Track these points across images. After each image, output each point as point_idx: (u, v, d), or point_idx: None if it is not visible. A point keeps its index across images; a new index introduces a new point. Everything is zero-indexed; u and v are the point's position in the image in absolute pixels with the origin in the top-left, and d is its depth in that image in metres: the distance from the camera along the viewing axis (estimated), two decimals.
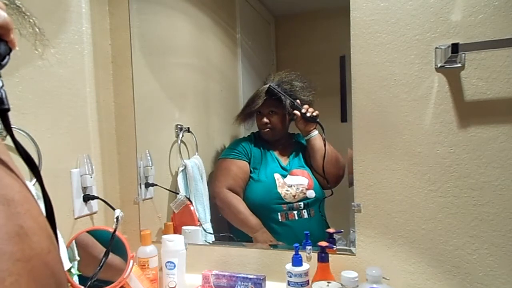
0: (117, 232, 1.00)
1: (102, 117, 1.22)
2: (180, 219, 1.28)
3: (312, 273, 0.97)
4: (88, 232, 1.04)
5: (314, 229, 1.18)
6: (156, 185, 1.28)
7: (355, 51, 0.99)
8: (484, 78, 0.89)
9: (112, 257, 0.98)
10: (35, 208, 0.29)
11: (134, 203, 1.26)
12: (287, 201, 1.26)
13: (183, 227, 1.25)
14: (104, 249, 0.98)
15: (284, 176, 1.28)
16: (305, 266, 0.97)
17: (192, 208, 1.28)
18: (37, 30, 0.54)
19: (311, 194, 1.26)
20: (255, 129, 1.37)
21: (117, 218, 1.01)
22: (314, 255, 1.02)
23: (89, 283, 0.93)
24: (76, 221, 1.10)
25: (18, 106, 0.92)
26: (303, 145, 1.30)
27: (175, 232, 1.25)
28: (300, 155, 1.31)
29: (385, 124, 0.98)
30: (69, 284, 0.93)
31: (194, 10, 1.40)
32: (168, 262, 1.06)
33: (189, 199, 1.28)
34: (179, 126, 1.35)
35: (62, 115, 1.05)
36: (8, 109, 0.34)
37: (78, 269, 0.98)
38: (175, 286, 1.06)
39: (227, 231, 1.31)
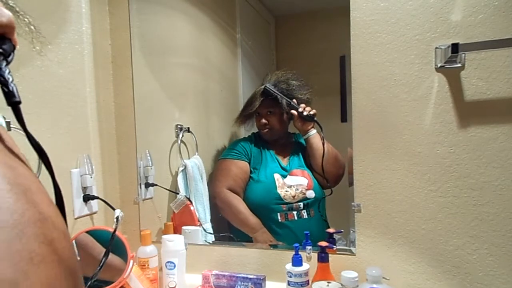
0: (117, 232, 1.00)
1: (102, 117, 1.22)
2: (180, 219, 1.28)
3: (312, 273, 0.97)
4: (88, 232, 1.04)
5: (314, 230, 1.18)
6: (156, 185, 1.28)
7: (355, 51, 0.99)
8: (484, 78, 0.89)
9: (112, 257, 0.98)
10: (47, 198, 0.30)
11: (134, 203, 1.26)
12: (286, 201, 1.26)
13: (183, 227, 1.25)
14: (104, 249, 0.98)
15: (284, 176, 1.28)
16: (305, 266, 0.97)
17: (192, 208, 1.28)
18: (32, 28, 0.54)
19: (310, 194, 1.26)
20: (255, 129, 1.37)
21: (117, 218, 1.01)
22: (314, 255, 1.02)
23: (89, 283, 0.93)
24: (76, 221, 1.10)
25: None
26: (303, 145, 1.30)
27: (175, 232, 1.25)
28: (300, 155, 1.31)
29: (385, 124, 0.98)
30: None
31: (194, 10, 1.40)
32: (168, 262, 1.06)
33: (189, 199, 1.28)
34: (179, 126, 1.35)
35: (62, 115, 1.05)
36: (19, 102, 0.35)
37: None
38: (175, 286, 1.06)
39: (227, 231, 1.31)
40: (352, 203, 1.02)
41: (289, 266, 0.98)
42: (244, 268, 1.14)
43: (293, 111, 1.25)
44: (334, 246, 0.99)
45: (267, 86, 1.30)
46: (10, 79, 0.34)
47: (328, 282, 0.90)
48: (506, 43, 0.85)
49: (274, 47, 1.42)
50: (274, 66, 1.39)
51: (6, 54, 0.35)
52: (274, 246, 1.18)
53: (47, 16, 1.02)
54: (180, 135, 1.35)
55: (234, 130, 1.42)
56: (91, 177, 1.12)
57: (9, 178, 0.27)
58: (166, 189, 1.31)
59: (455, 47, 0.86)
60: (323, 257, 0.96)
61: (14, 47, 0.36)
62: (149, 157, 1.27)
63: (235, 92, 1.47)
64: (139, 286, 1.00)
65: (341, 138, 1.09)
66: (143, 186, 1.26)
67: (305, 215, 1.25)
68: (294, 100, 1.26)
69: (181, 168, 1.31)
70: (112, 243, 0.98)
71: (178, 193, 1.29)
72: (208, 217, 1.34)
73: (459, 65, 0.91)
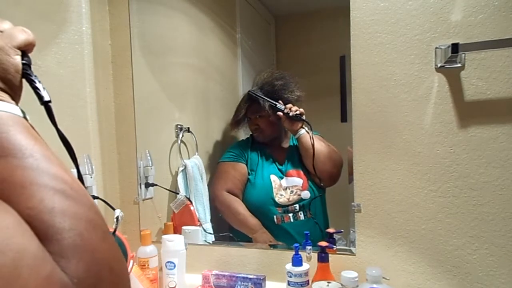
0: (117, 232, 1.00)
1: (102, 117, 1.22)
2: (180, 219, 1.28)
3: (312, 273, 0.97)
4: None
5: (312, 231, 1.18)
6: (156, 185, 1.28)
7: (355, 51, 0.99)
8: (484, 78, 0.89)
9: None
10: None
11: (134, 203, 1.26)
12: (281, 204, 1.25)
13: (183, 227, 1.25)
14: None
15: (280, 178, 1.28)
16: (305, 266, 0.97)
17: (192, 208, 1.28)
18: None
19: (305, 195, 1.25)
20: None
21: (117, 218, 1.00)
22: (314, 255, 1.02)
23: None
24: None
25: None
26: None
27: (175, 232, 1.25)
28: (296, 155, 1.31)
29: (385, 124, 0.98)
30: None
31: (194, 10, 1.40)
32: (168, 262, 1.06)
33: (189, 199, 1.28)
34: (179, 126, 1.35)
35: (62, 115, 1.05)
36: (50, 101, 0.44)
37: None
38: (175, 286, 1.06)
39: (227, 231, 1.31)
40: (352, 203, 1.02)
41: (289, 266, 0.98)
42: (244, 268, 1.14)
43: (279, 113, 1.25)
44: (334, 246, 0.99)
45: (251, 91, 1.31)
46: (40, 83, 0.43)
47: (328, 282, 0.90)
48: (506, 43, 0.85)
49: (274, 47, 1.42)
50: (274, 66, 1.39)
51: (30, 65, 0.43)
52: (274, 246, 1.18)
53: (47, 16, 1.02)
54: (180, 135, 1.35)
55: (233, 129, 1.42)
56: (91, 177, 1.12)
57: None
58: (166, 189, 1.31)
59: (455, 47, 0.86)
60: (323, 257, 0.96)
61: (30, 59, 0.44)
62: (149, 157, 1.27)
63: (235, 92, 1.47)
64: (139, 286, 1.00)
65: (341, 138, 1.09)
66: (143, 186, 1.26)
67: (301, 216, 1.25)
68: (280, 101, 1.26)
69: (181, 168, 1.31)
70: None
71: (178, 193, 1.29)
72: (208, 217, 1.34)
73: (459, 65, 0.91)
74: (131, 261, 1.00)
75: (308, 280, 0.97)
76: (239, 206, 1.29)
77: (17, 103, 0.42)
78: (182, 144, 1.35)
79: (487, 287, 0.92)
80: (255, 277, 1.05)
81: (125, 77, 1.24)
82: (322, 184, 1.24)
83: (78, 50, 1.13)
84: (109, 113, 1.25)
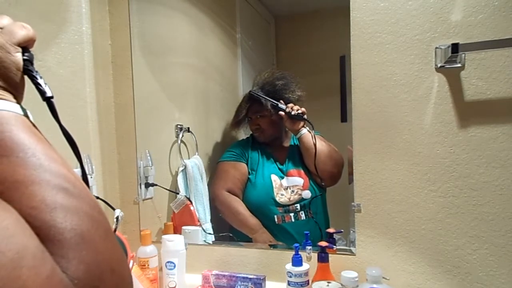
0: (117, 232, 1.00)
1: (102, 117, 1.22)
2: (180, 219, 1.28)
3: (312, 273, 0.97)
4: None
5: (313, 231, 1.18)
6: (156, 185, 1.28)
7: (355, 51, 0.99)
8: (484, 78, 0.89)
9: None
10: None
11: (134, 203, 1.26)
12: (282, 204, 1.25)
13: (183, 227, 1.25)
14: None
15: (281, 178, 1.28)
16: (305, 266, 0.97)
17: (192, 208, 1.28)
18: None
19: (306, 194, 1.25)
20: None
21: (117, 218, 1.00)
22: (314, 255, 1.02)
23: None
24: None
25: None
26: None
27: (175, 232, 1.25)
28: (297, 155, 1.31)
29: (385, 124, 0.98)
30: None
31: (194, 10, 1.40)
32: (168, 262, 1.06)
33: (189, 199, 1.28)
34: (179, 126, 1.35)
35: (62, 115, 1.04)
36: (52, 96, 0.44)
37: None
38: (175, 286, 1.06)
39: (227, 231, 1.31)
40: (352, 203, 1.02)
41: (289, 266, 0.98)
42: (244, 268, 1.14)
43: (281, 112, 1.25)
44: (334, 246, 0.99)
45: (252, 91, 1.31)
46: (42, 79, 0.43)
47: (328, 282, 0.90)
48: (506, 43, 0.85)
49: (274, 47, 1.42)
50: (274, 66, 1.39)
51: (32, 60, 0.43)
52: (274, 246, 1.18)
53: (47, 16, 1.02)
54: (180, 135, 1.35)
55: (234, 130, 1.42)
56: (91, 177, 1.12)
57: None
58: (166, 189, 1.31)
59: (455, 47, 0.86)
60: (323, 257, 0.96)
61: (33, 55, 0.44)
62: (149, 157, 1.27)
63: (235, 92, 1.47)
64: (139, 286, 1.00)
65: (341, 138, 1.09)
66: (143, 186, 1.26)
67: (303, 216, 1.25)
68: (281, 101, 1.26)
69: (181, 168, 1.31)
70: None
71: (178, 193, 1.29)
72: (208, 217, 1.34)
73: (459, 65, 0.91)
74: (131, 261, 1.00)
75: (308, 280, 0.97)
76: (239, 206, 1.29)
77: (20, 101, 0.41)
78: (182, 144, 1.35)
79: (487, 287, 0.92)
80: (255, 277, 1.05)
81: (125, 77, 1.24)
82: (323, 184, 1.24)
83: (78, 50, 1.13)
84: (109, 113, 1.25)
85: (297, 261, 0.97)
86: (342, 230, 1.06)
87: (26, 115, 0.40)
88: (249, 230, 1.26)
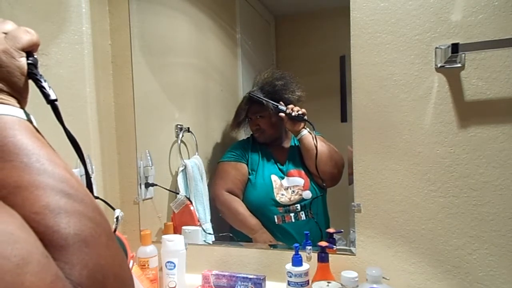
0: (117, 232, 1.00)
1: (102, 117, 1.22)
2: (180, 219, 1.28)
3: (312, 273, 0.97)
4: None
5: (313, 231, 1.18)
6: (156, 185, 1.28)
7: (355, 51, 0.99)
8: (484, 78, 0.89)
9: None
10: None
11: (134, 203, 1.26)
12: (283, 204, 1.25)
13: (183, 227, 1.25)
14: None
15: (281, 178, 1.28)
16: (305, 266, 0.97)
17: (192, 208, 1.28)
18: None
19: (307, 195, 1.25)
20: None
21: (117, 218, 1.00)
22: (314, 255, 1.02)
23: None
24: None
25: None
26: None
27: (175, 232, 1.25)
28: (298, 155, 1.31)
29: (385, 124, 0.98)
30: None
31: (194, 10, 1.40)
32: (168, 262, 1.06)
33: (189, 199, 1.28)
34: (179, 126, 1.35)
35: (62, 115, 1.05)
36: (56, 99, 0.45)
37: None
38: (175, 286, 1.06)
39: (227, 231, 1.31)
40: (352, 203, 1.02)
41: (289, 266, 0.98)
42: (244, 268, 1.14)
43: (281, 114, 1.25)
44: (334, 246, 0.99)
45: (252, 93, 1.31)
46: (46, 83, 0.44)
47: (328, 282, 0.90)
48: (506, 43, 0.85)
49: (274, 47, 1.42)
50: (274, 66, 1.39)
51: (36, 64, 0.44)
52: (274, 246, 1.18)
53: (47, 16, 1.02)
54: (180, 135, 1.35)
55: (234, 130, 1.42)
56: (91, 177, 1.12)
57: None
58: (166, 189, 1.31)
59: (455, 47, 0.86)
60: (323, 257, 0.96)
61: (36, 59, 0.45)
62: (149, 157, 1.27)
63: (235, 92, 1.47)
64: (139, 286, 1.00)
65: (341, 138, 1.09)
66: (143, 186, 1.26)
67: (303, 216, 1.25)
68: (281, 102, 1.26)
69: (181, 168, 1.31)
70: None
71: (178, 193, 1.29)
72: (208, 217, 1.34)
73: (459, 65, 0.91)
74: (131, 261, 1.00)
75: (308, 280, 0.97)
76: (239, 206, 1.29)
77: (23, 106, 0.42)
78: (182, 144, 1.35)
79: (487, 287, 0.92)
80: (255, 277, 1.05)
81: (125, 77, 1.24)
82: (324, 185, 1.24)
83: (78, 50, 1.13)
84: (109, 113, 1.25)
85: (297, 261, 0.97)
86: (342, 230, 1.06)
87: (29, 120, 0.40)
88: (249, 230, 1.26)
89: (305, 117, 1.24)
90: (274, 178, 1.28)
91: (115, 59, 1.25)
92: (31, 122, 0.41)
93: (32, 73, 0.43)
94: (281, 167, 1.30)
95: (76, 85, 1.12)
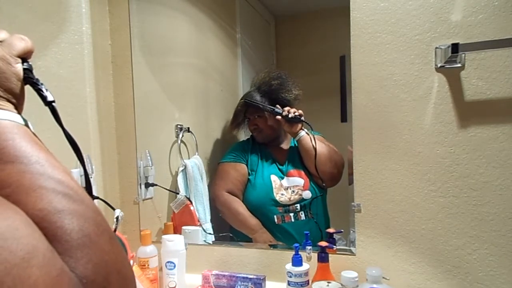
0: (117, 232, 1.00)
1: (102, 117, 1.22)
2: (180, 219, 1.28)
3: (312, 273, 0.97)
4: None
5: (313, 231, 1.17)
6: (156, 185, 1.28)
7: (355, 51, 0.99)
8: (484, 78, 0.89)
9: None
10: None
11: (134, 203, 1.26)
12: (282, 204, 1.25)
13: (183, 227, 1.25)
14: None
15: (281, 178, 1.28)
16: (305, 266, 0.97)
17: (192, 208, 1.28)
18: None
19: (307, 195, 1.25)
20: None
21: (117, 218, 1.00)
22: (314, 255, 1.02)
23: None
24: None
25: None
26: None
27: (175, 232, 1.25)
28: (297, 155, 1.30)
29: (385, 124, 0.98)
30: None
31: (194, 10, 1.40)
32: (168, 262, 1.06)
33: (189, 199, 1.28)
34: (179, 126, 1.35)
35: (62, 115, 1.04)
36: (54, 101, 0.46)
37: None
38: (175, 286, 1.06)
39: (227, 231, 1.31)
40: (352, 203, 1.02)
41: (289, 266, 0.98)
42: (244, 268, 1.14)
43: (278, 117, 1.25)
44: (334, 246, 0.99)
45: (246, 99, 1.32)
46: (43, 85, 0.45)
47: (328, 282, 0.90)
48: (506, 43, 0.85)
49: (274, 47, 1.42)
50: (274, 66, 1.39)
51: (32, 70, 0.45)
52: (274, 246, 1.18)
53: (47, 16, 1.02)
54: (180, 135, 1.35)
55: (233, 131, 1.42)
56: (91, 177, 1.12)
57: None
58: (166, 189, 1.31)
59: (455, 47, 0.86)
60: (323, 257, 0.96)
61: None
62: (149, 157, 1.27)
63: (235, 92, 1.47)
64: (139, 286, 1.00)
65: (341, 138, 1.09)
66: (143, 186, 1.26)
67: (302, 216, 1.25)
68: (277, 106, 1.26)
69: (181, 168, 1.31)
70: None
71: (178, 193, 1.29)
72: (208, 217, 1.34)
73: (459, 65, 0.91)
74: (131, 261, 1.00)
75: (308, 280, 0.97)
76: (239, 207, 1.29)
77: (20, 112, 0.43)
78: (182, 144, 1.35)
79: (487, 287, 0.92)
80: (255, 277, 1.05)
81: (125, 77, 1.24)
82: (323, 185, 1.24)
83: (78, 50, 1.13)
84: (109, 113, 1.25)
85: (297, 261, 0.97)
86: (342, 230, 1.06)
87: (27, 125, 0.41)
88: (249, 230, 1.26)
89: (302, 118, 1.24)
90: (273, 178, 1.28)
91: (115, 59, 1.25)
92: (28, 127, 0.41)
93: (29, 78, 0.44)
94: (280, 167, 1.30)
95: (76, 85, 1.12)
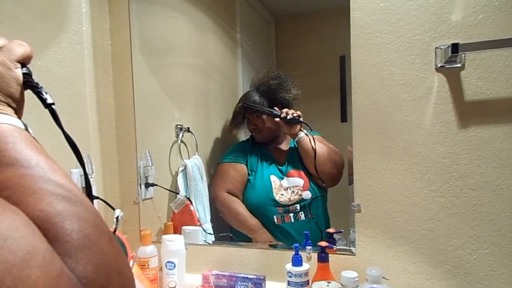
0: (117, 232, 0.99)
1: (102, 117, 1.22)
2: (180, 219, 1.28)
3: (312, 273, 0.97)
4: None
5: (312, 231, 1.17)
6: (156, 185, 1.28)
7: (355, 51, 0.99)
8: (484, 78, 0.89)
9: None
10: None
11: (134, 203, 1.26)
12: (282, 204, 1.25)
13: (183, 227, 1.25)
14: None
15: (280, 178, 1.28)
16: (305, 266, 0.97)
17: (192, 208, 1.28)
18: None
19: (307, 195, 1.25)
20: None
21: (117, 218, 1.00)
22: (314, 255, 1.02)
23: None
24: None
25: None
26: None
27: (175, 232, 1.25)
28: (297, 156, 1.30)
29: (385, 124, 0.98)
30: None
31: (194, 10, 1.40)
32: (168, 262, 1.06)
33: (189, 199, 1.28)
34: (179, 126, 1.35)
35: (62, 115, 1.05)
36: (53, 103, 0.47)
37: None
38: (175, 286, 1.06)
39: (227, 231, 1.31)
40: (352, 203, 1.02)
41: (289, 266, 0.98)
42: (244, 268, 1.14)
43: (276, 119, 1.25)
44: (334, 246, 0.99)
45: (244, 103, 1.33)
46: (42, 88, 0.46)
47: (328, 282, 0.90)
48: (506, 43, 0.85)
49: (274, 47, 1.42)
50: (274, 66, 1.39)
51: (31, 74, 0.46)
52: (274, 246, 1.18)
53: (47, 16, 1.02)
54: (180, 135, 1.35)
55: (232, 132, 1.42)
56: (91, 177, 1.12)
57: None
58: (166, 189, 1.31)
59: (455, 47, 0.86)
60: (323, 257, 0.96)
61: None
62: (149, 157, 1.27)
63: (235, 92, 1.47)
64: (139, 286, 1.00)
65: (341, 138, 1.09)
66: (143, 186, 1.26)
67: (302, 217, 1.25)
68: (276, 108, 1.26)
69: (181, 168, 1.31)
70: None
71: (178, 193, 1.29)
72: (208, 217, 1.34)
73: (459, 65, 0.91)
74: (131, 261, 1.00)
75: (308, 280, 0.97)
76: (239, 207, 1.29)
77: (20, 116, 0.44)
78: (182, 144, 1.35)
79: (487, 287, 0.92)
80: (255, 277, 1.05)
81: (125, 77, 1.24)
82: (323, 185, 1.24)
83: (78, 50, 1.13)
84: (109, 113, 1.25)
85: (297, 261, 0.97)
86: (342, 230, 1.06)
87: (27, 129, 0.42)
88: (249, 230, 1.26)
89: (301, 119, 1.23)
90: (273, 178, 1.28)
91: (115, 59, 1.25)
92: (28, 131, 0.42)
93: (28, 82, 0.45)
94: (280, 167, 1.30)
95: (76, 85, 1.12)
